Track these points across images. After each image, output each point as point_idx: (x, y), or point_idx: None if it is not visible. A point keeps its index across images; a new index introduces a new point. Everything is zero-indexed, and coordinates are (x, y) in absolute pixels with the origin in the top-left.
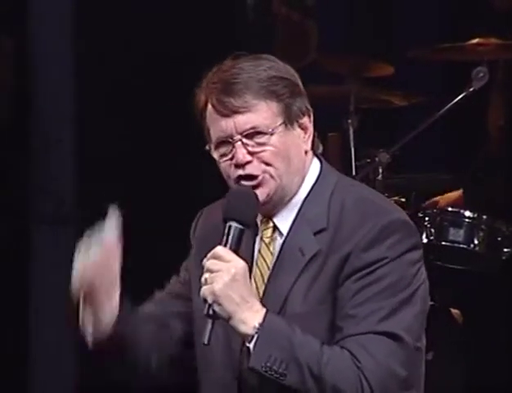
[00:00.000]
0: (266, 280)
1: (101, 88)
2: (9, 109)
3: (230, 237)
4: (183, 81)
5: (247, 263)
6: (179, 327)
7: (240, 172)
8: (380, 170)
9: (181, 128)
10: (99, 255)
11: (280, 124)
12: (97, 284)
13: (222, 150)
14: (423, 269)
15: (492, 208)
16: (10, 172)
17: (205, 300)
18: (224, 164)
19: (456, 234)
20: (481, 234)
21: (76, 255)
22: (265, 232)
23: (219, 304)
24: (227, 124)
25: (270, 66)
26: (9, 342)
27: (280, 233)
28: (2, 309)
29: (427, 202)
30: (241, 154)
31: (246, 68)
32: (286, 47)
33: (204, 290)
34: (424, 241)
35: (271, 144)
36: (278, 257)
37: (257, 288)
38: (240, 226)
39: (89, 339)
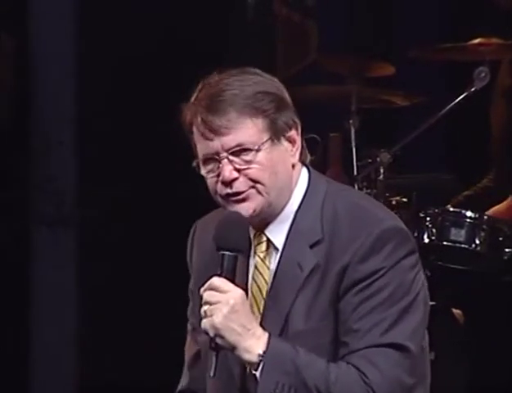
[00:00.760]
0: (265, 295)
1: (101, 88)
2: (9, 109)
3: (225, 267)
4: (183, 82)
5: (245, 286)
6: None
7: (228, 190)
8: (382, 170)
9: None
10: None
11: (266, 141)
12: None
13: (209, 167)
14: (421, 273)
15: None
16: (10, 172)
17: (207, 333)
18: (211, 181)
19: (458, 234)
20: (482, 234)
21: None
22: (259, 246)
23: (221, 337)
24: (213, 142)
25: (256, 81)
26: (9, 342)
27: (275, 248)
28: (3, 310)
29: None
30: (228, 171)
31: (231, 83)
32: (287, 47)
33: (205, 323)
34: (426, 241)
35: (257, 161)
36: (276, 272)
37: (256, 304)
38: (233, 253)
39: None
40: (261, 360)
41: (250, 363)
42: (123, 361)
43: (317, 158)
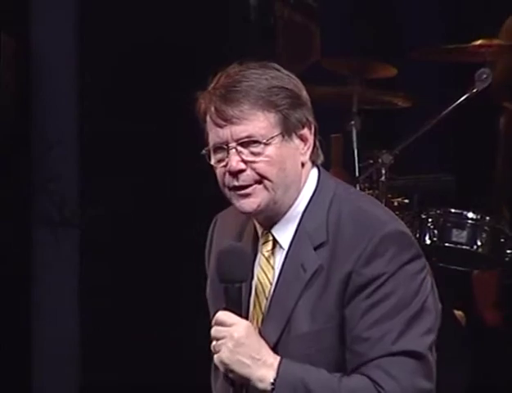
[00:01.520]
0: (267, 294)
1: (102, 88)
2: (10, 109)
3: (229, 300)
4: (184, 81)
5: (250, 284)
6: None
7: (235, 183)
8: (383, 171)
9: (184, 127)
10: None
11: (276, 135)
12: None
13: (219, 156)
14: (428, 278)
15: None
16: (11, 173)
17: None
18: (219, 171)
19: (459, 235)
20: (484, 235)
21: None
22: (265, 245)
23: (232, 371)
24: (224, 132)
25: (273, 76)
26: (10, 342)
27: (281, 247)
28: (4, 310)
29: None
30: (235, 161)
31: (249, 76)
32: (289, 48)
33: (215, 359)
34: (427, 242)
35: (266, 154)
36: (280, 272)
37: (259, 303)
38: (237, 285)
39: None
40: (273, 389)
41: (266, 392)
42: (124, 361)
43: None
